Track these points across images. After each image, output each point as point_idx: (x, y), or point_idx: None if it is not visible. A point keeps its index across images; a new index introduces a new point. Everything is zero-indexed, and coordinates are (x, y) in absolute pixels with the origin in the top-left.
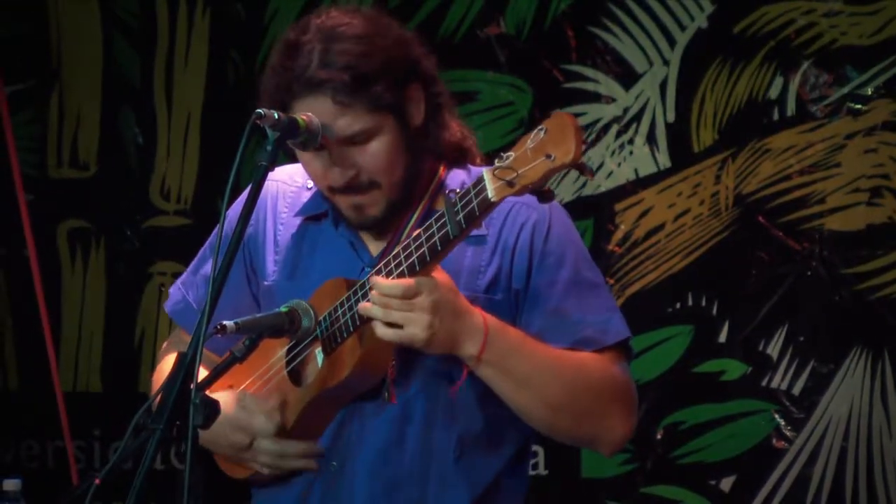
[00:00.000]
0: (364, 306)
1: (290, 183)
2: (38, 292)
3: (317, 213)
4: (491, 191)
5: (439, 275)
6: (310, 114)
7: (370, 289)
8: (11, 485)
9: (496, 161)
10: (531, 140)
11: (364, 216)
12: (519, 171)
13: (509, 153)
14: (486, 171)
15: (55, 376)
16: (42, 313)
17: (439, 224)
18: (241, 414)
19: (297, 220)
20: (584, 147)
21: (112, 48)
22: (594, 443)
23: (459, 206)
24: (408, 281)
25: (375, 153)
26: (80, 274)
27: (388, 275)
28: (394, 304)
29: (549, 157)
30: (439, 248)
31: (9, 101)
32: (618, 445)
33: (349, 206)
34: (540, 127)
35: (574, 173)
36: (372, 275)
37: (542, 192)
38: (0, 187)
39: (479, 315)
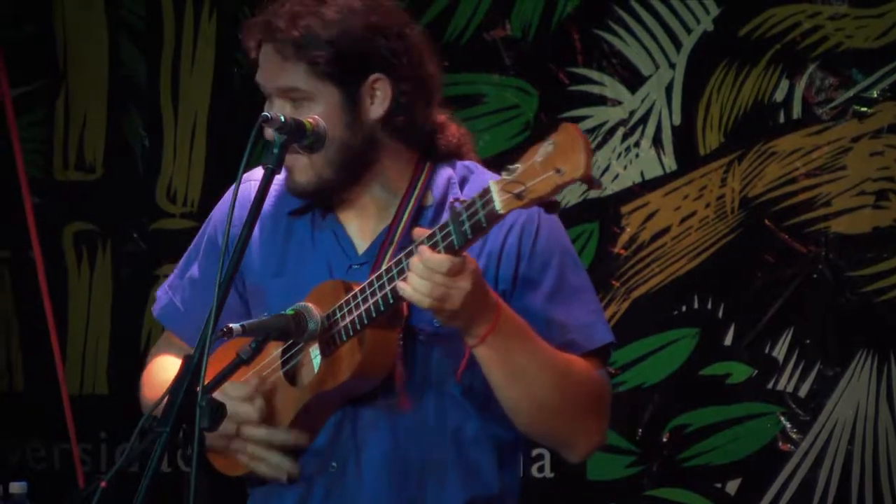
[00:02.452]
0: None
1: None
2: (45, 295)
3: (301, 206)
4: (499, 203)
5: (470, 258)
6: (316, 116)
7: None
8: (17, 487)
9: (503, 173)
10: (539, 153)
11: (292, 180)
12: (527, 185)
13: (517, 165)
14: (492, 183)
15: (61, 379)
16: (48, 315)
17: (444, 233)
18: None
19: (283, 217)
20: (593, 161)
21: (118, 50)
22: (569, 445)
23: (465, 216)
24: (455, 259)
25: (306, 118)
26: (87, 276)
27: (389, 281)
28: (437, 279)
29: (558, 171)
30: None
31: (15, 103)
32: (591, 450)
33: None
34: (549, 140)
35: None
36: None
37: (549, 203)
38: (6, 190)
39: (494, 297)
